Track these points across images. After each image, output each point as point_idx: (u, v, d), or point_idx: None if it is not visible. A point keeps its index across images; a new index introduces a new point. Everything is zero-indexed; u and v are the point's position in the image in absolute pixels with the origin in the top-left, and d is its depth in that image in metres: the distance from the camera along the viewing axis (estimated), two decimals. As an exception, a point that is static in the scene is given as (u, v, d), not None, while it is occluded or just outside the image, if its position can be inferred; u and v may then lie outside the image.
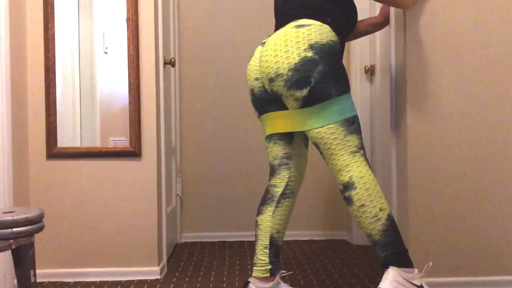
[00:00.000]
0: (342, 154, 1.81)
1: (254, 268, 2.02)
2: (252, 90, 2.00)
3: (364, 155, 1.84)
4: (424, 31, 2.09)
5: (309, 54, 1.77)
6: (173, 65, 2.80)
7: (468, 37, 2.10)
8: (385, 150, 2.83)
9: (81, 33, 2.53)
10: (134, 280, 2.40)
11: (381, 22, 2.31)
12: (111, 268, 2.42)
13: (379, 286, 1.73)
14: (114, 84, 2.50)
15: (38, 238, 1.98)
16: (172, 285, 2.35)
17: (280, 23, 1.97)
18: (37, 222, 1.68)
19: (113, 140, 2.49)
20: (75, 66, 2.53)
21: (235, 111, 3.31)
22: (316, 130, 1.83)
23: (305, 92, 1.78)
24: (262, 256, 2.01)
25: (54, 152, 2.41)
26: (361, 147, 1.83)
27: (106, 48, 2.52)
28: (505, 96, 2.11)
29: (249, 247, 3.09)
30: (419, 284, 1.75)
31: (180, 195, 3.26)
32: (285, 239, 3.10)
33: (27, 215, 1.64)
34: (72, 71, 2.53)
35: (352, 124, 1.82)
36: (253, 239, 3.13)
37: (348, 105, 1.82)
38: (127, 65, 2.41)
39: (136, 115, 2.41)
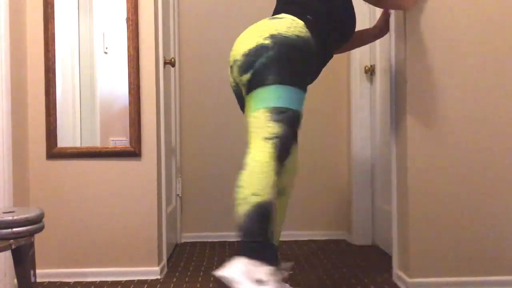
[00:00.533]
0: (255, 138, 1.69)
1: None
2: (230, 85, 1.93)
3: (278, 146, 1.66)
4: (424, 32, 2.09)
5: (266, 41, 1.72)
6: (173, 65, 2.80)
7: (468, 37, 2.10)
8: (385, 150, 2.83)
9: (81, 33, 2.53)
10: (134, 280, 2.40)
11: (380, 32, 2.29)
12: (111, 268, 2.42)
13: (219, 272, 1.56)
14: (114, 84, 2.49)
15: (38, 238, 1.98)
16: (172, 285, 2.35)
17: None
18: (37, 222, 1.68)
19: (113, 140, 2.49)
20: (75, 66, 2.53)
21: (235, 111, 3.31)
22: (249, 117, 1.73)
23: (248, 75, 1.73)
24: None
25: (54, 152, 2.41)
26: (278, 137, 1.66)
27: (106, 48, 2.52)
28: (505, 96, 2.11)
29: (249, 247, 3.09)
30: (265, 279, 1.55)
31: (180, 195, 3.26)
32: (285, 239, 3.12)
33: (27, 215, 1.65)
34: (72, 71, 2.52)
35: (280, 114, 1.67)
36: (253, 239, 3.13)
37: (286, 96, 1.69)
38: (127, 65, 2.41)
39: (136, 115, 2.41)
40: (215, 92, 3.32)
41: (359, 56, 3.08)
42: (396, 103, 2.23)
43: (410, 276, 2.11)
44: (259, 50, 1.72)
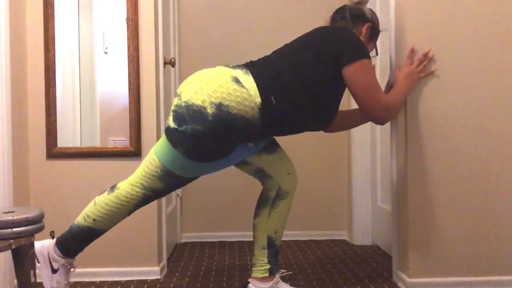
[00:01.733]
0: (137, 174, 1.87)
1: (253, 268, 2.02)
2: None
3: (146, 196, 1.86)
4: (424, 32, 2.09)
5: (209, 110, 1.68)
6: (173, 65, 2.80)
7: (468, 37, 2.10)
8: (385, 150, 2.83)
9: (81, 33, 2.53)
10: (134, 280, 2.40)
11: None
12: (111, 268, 2.42)
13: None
14: (114, 84, 2.50)
15: (38, 238, 1.98)
16: (172, 285, 2.35)
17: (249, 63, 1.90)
18: (37, 222, 1.68)
19: (113, 140, 2.49)
20: (75, 66, 2.53)
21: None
22: (151, 152, 1.86)
23: (173, 125, 1.73)
24: (260, 256, 2.01)
25: (54, 152, 2.41)
26: (152, 191, 1.85)
27: (106, 48, 2.52)
28: (506, 96, 2.11)
29: (249, 247, 3.09)
30: (56, 267, 1.89)
31: (180, 195, 3.26)
32: (285, 239, 3.12)
33: (27, 215, 1.64)
34: (72, 71, 2.53)
35: (167, 176, 1.81)
36: (252, 239, 3.13)
37: (181, 166, 1.78)
38: (127, 65, 2.41)
39: (136, 115, 2.41)
40: (215, 92, 3.32)
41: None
42: (396, 103, 2.23)
43: (410, 276, 2.11)
44: (196, 113, 1.69)
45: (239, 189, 3.31)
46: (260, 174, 2.04)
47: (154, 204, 2.44)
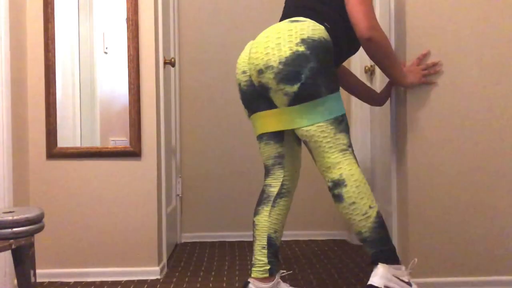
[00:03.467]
0: (333, 152, 1.81)
1: (253, 268, 2.02)
2: (239, 85, 1.99)
3: (353, 153, 1.84)
4: (424, 32, 2.09)
5: (301, 48, 1.76)
6: (173, 65, 2.80)
7: (468, 37, 2.10)
8: (385, 150, 2.83)
9: (81, 33, 2.53)
10: (134, 280, 2.40)
11: (380, 101, 2.27)
12: (111, 268, 2.42)
13: (369, 283, 1.75)
14: (114, 84, 2.50)
15: (38, 238, 1.98)
16: (172, 285, 2.35)
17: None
18: (37, 222, 1.68)
19: (113, 140, 2.49)
20: (75, 66, 2.53)
21: (235, 111, 3.31)
22: (305, 128, 1.82)
23: (295, 88, 1.77)
24: (260, 256, 2.00)
25: (54, 152, 2.41)
26: (350, 145, 1.84)
27: (106, 48, 2.52)
28: (506, 96, 2.11)
29: (249, 247, 3.09)
30: (407, 280, 1.77)
31: (180, 195, 3.26)
32: (285, 239, 3.12)
33: (27, 215, 1.65)
34: (72, 71, 2.53)
35: (341, 123, 1.82)
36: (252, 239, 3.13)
37: (337, 103, 1.83)
38: (127, 65, 2.41)
39: (136, 115, 2.41)
40: (215, 92, 3.33)
41: (359, 56, 3.07)
42: (396, 103, 2.23)
43: (410, 276, 2.11)
44: (298, 59, 1.76)
45: (239, 189, 3.31)
46: (277, 161, 2.02)
47: (154, 204, 2.44)
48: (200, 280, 2.43)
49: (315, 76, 1.76)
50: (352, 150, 1.84)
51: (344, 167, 1.80)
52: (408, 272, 1.80)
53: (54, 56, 2.40)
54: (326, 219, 3.31)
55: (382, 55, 1.94)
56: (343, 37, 1.92)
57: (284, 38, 1.79)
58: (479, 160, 2.10)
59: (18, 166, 2.28)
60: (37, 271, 1.89)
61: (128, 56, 2.41)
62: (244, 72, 1.95)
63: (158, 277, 2.44)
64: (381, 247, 1.80)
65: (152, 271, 2.43)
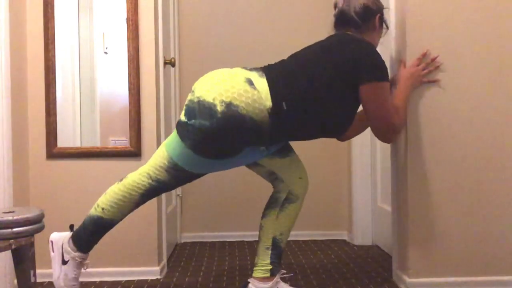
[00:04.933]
0: (147, 165, 1.91)
1: (255, 268, 2.02)
2: None
3: (152, 187, 1.89)
4: (424, 32, 2.09)
5: (219, 108, 1.71)
6: (173, 65, 2.80)
7: (468, 37, 2.10)
8: (385, 151, 2.83)
9: (81, 33, 2.53)
10: (134, 280, 2.40)
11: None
12: (111, 268, 2.42)
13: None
14: (114, 84, 2.49)
15: (38, 238, 1.98)
16: (172, 285, 2.35)
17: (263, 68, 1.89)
18: (37, 222, 1.68)
19: (113, 140, 2.49)
20: (75, 66, 2.53)
21: (235, 111, 3.30)
22: (162, 145, 1.92)
23: (184, 118, 1.80)
24: (263, 256, 2.01)
25: (54, 152, 2.41)
26: (157, 181, 1.88)
27: (106, 48, 2.52)
28: (506, 96, 2.11)
29: (249, 247, 3.09)
30: (66, 259, 1.93)
31: (180, 195, 3.26)
32: (285, 239, 3.11)
33: (27, 215, 1.65)
34: (72, 71, 2.53)
35: (174, 169, 1.84)
36: (253, 239, 3.13)
37: (187, 161, 1.81)
38: (127, 65, 2.41)
39: (136, 115, 2.41)
40: (215, 92, 3.32)
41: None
42: (396, 103, 2.23)
43: (410, 276, 2.11)
44: (206, 109, 1.72)
45: (239, 189, 3.31)
46: (272, 178, 2.05)
47: (154, 204, 2.44)
48: (200, 280, 2.43)
49: (197, 131, 1.73)
50: (155, 184, 1.89)
51: (131, 173, 1.95)
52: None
53: (54, 56, 2.40)
54: (326, 219, 3.31)
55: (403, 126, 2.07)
56: (304, 125, 1.83)
57: (219, 86, 1.75)
58: (479, 159, 2.10)
59: (18, 166, 2.28)
60: (37, 271, 1.89)
61: (128, 56, 2.41)
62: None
63: (158, 277, 2.44)
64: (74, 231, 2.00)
65: (152, 271, 2.43)
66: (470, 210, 2.10)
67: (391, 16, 2.24)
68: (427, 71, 2.06)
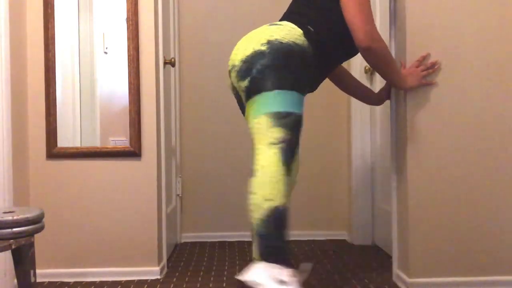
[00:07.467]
0: (260, 144, 1.71)
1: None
2: (230, 87, 1.93)
3: (284, 149, 1.68)
4: (424, 32, 2.09)
5: (263, 48, 1.73)
6: (173, 65, 2.80)
7: (468, 37, 2.10)
8: (385, 150, 2.83)
9: (81, 33, 2.53)
10: (134, 280, 2.40)
11: (379, 101, 2.29)
12: (111, 268, 2.42)
13: (242, 278, 1.62)
14: (114, 84, 2.49)
15: (38, 238, 1.98)
16: (172, 285, 2.35)
17: None
18: (37, 222, 1.68)
19: (113, 140, 2.49)
20: (75, 66, 2.53)
21: (235, 111, 3.29)
22: (251, 123, 1.75)
23: (246, 82, 1.74)
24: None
25: (54, 152, 2.41)
26: (284, 141, 1.68)
27: (106, 48, 2.52)
28: (506, 96, 2.11)
29: (249, 247, 3.09)
30: (286, 280, 1.60)
31: (180, 195, 3.26)
32: (285, 239, 3.11)
33: (27, 215, 1.65)
34: (72, 71, 2.52)
35: (281, 119, 1.69)
36: (253, 239, 3.13)
37: (283, 99, 1.71)
38: (127, 65, 2.41)
39: (136, 115, 2.41)
40: (215, 92, 3.32)
41: (359, 56, 3.07)
42: (396, 103, 2.23)
43: (410, 276, 2.11)
44: (255, 57, 1.73)
45: (239, 189, 3.30)
46: None
47: (154, 204, 2.44)
48: (200, 280, 2.43)
49: (265, 70, 1.71)
50: (285, 147, 1.69)
51: (262, 159, 1.69)
52: (293, 274, 1.64)
53: (54, 56, 2.40)
54: (326, 219, 3.31)
55: (381, 64, 1.93)
56: (333, 41, 1.87)
57: (254, 40, 1.78)
58: (479, 159, 2.10)
59: (18, 166, 2.28)
60: (37, 271, 1.89)
61: (128, 56, 2.41)
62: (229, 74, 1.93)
63: (158, 277, 2.44)
64: (265, 243, 1.65)
65: (152, 271, 2.43)
66: (470, 210, 2.10)
67: (391, 16, 2.24)
68: (426, 73, 2.07)
